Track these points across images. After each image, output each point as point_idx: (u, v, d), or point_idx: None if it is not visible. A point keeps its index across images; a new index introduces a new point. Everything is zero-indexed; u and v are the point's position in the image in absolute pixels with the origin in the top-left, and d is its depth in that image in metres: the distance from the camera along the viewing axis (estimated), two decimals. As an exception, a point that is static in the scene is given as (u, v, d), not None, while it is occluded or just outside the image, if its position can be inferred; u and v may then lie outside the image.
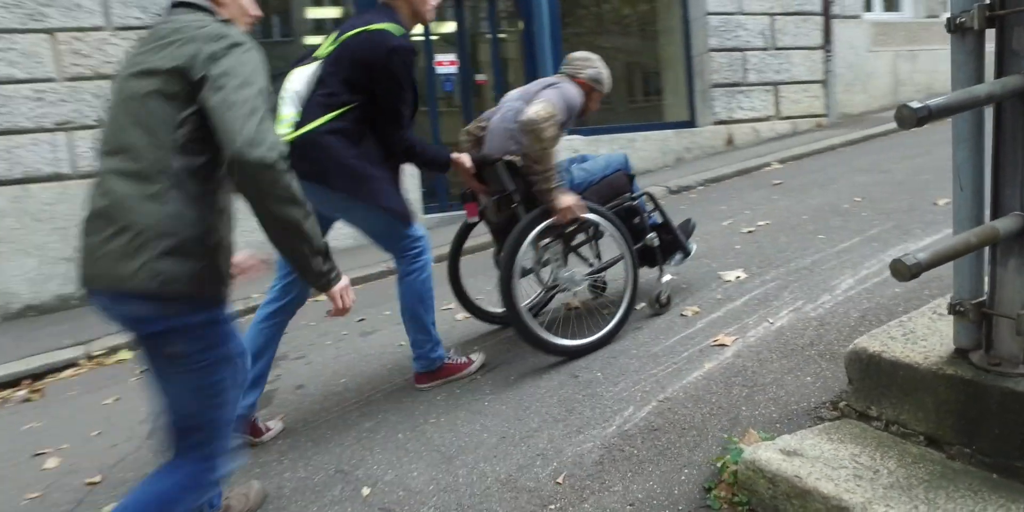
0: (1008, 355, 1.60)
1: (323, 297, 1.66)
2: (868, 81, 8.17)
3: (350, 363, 3.16)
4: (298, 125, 2.24)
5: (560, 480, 1.87)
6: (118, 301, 1.41)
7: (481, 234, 3.11)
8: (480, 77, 6.94)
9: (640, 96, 8.50)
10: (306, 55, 2.42)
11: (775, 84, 7.55)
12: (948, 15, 1.54)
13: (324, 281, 1.57)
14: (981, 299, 1.64)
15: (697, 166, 6.73)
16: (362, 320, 3.79)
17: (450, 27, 6.69)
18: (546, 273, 2.92)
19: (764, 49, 7.40)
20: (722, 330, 2.56)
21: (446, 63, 6.52)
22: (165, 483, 1.50)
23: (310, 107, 2.26)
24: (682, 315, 2.80)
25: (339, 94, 2.26)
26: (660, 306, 2.88)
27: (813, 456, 1.63)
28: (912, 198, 3.89)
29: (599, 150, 6.73)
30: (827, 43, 7.72)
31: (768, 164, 6.28)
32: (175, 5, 1.54)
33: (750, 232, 3.88)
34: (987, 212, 1.61)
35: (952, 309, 1.69)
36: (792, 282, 2.89)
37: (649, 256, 2.89)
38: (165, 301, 1.38)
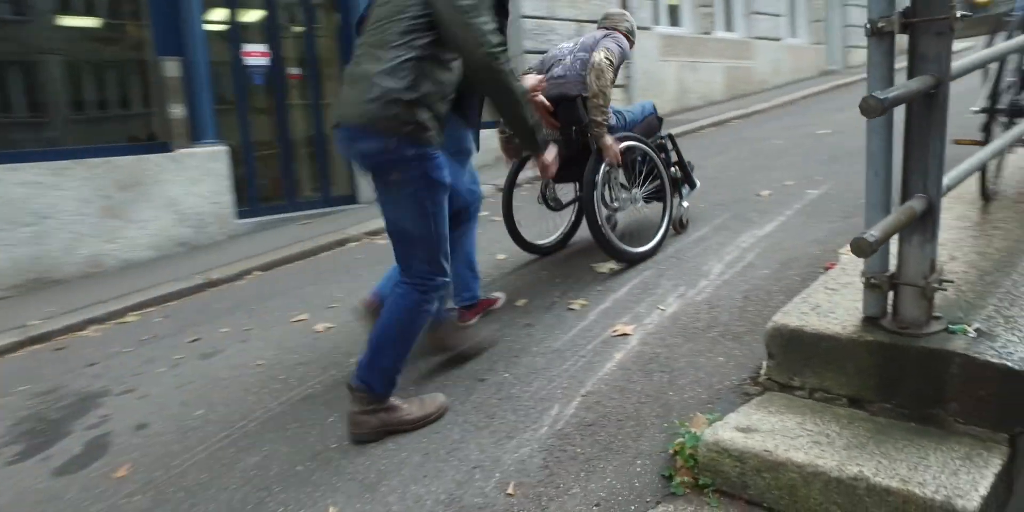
0: (912, 319, 1.77)
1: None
2: (660, 87, 8.99)
3: (200, 391, 2.69)
4: None
5: (511, 491, 1.72)
6: (357, 137, 1.92)
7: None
8: (293, 71, 6.42)
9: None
10: None
11: (584, 88, 7.98)
12: (867, 20, 1.68)
13: (540, 145, 2.15)
14: (891, 272, 1.81)
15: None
16: (196, 340, 3.27)
17: (258, 15, 6.10)
18: (610, 195, 3.29)
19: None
20: (617, 320, 2.58)
21: (256, 54, 5.93)
22: (400, 303, 2.01)
23: None
24: (570, 309, 2.78)
25: None
26: (682, 227, 3.50)
27: (768, 430, 1.67)
28: (734, 191, 4.30)
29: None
30: (626, 51, 8.35)
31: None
32: None
33: (604, 226, 4.01)
34: (895, 195, 1.78)
35: (866, 282, 1.84)
36: (666, 270, 3.02)
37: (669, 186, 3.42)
38: (387, 137, 1.86)
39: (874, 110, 1.43)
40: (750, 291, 2.59)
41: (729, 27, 10.42)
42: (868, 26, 1.69)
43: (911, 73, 1.66)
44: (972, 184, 2.98)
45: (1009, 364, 1.59)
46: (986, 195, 2.74)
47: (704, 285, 2.75)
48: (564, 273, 3.24)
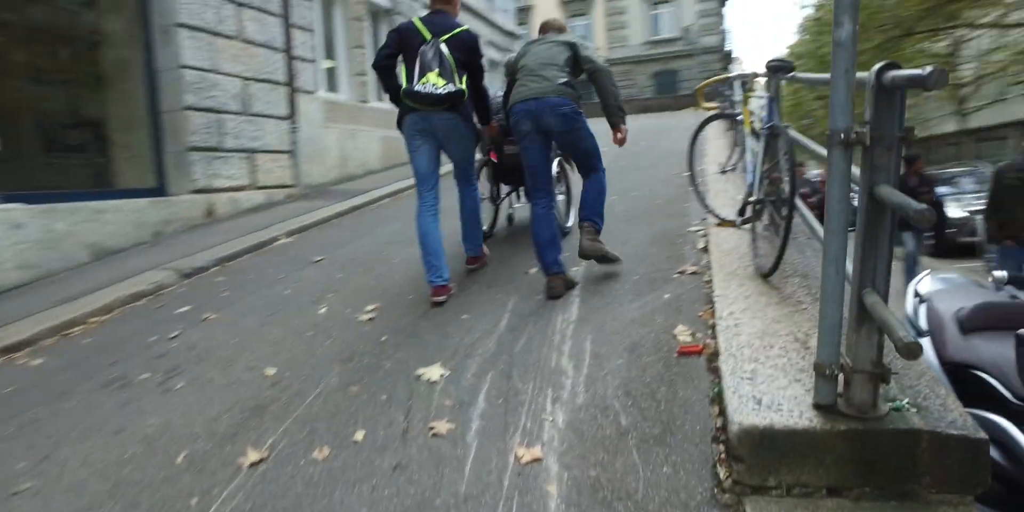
0: (863, 403, 1.82)
1: None
2: (324, 154, 8.55)
3: None
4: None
5: None
6: (544, 101, 3.48)
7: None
8: None
9: (82, 155, 6.71)
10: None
11: (251, 151, 7.09)
12: (832, 130, 1.72)
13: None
14: (840, 362, 1.83)
15: (188, 242, 5.69)
16: None
17: None
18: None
19: (240, 113, 6.87)
20: (509, 442, 2.13)
21: None
22: (598, 181, 3.73)
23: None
24: (435, 435, 2.22)
25: None
26: None
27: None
28: (501, 270, 4.15)
29: (55, 225, 4.97)
30: (293, 114, 7.74)
31: (276, 238, 5.80)
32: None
33: (370, 320, 3.43)
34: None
35: (820, 371, 1.84)
36: (508, 370, 2.65)
37: None
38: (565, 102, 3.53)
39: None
40: (626, 385, 2.42)
41: (381, 98, 10.61)
42: (832, 137, 1.74)
43: (870, 180, 1.73)
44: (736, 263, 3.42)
45: (967, 433, 1.73)
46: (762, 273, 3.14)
47: (570, 384, 2.49)
48: (387, 387, 2.62)
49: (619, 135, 3.74)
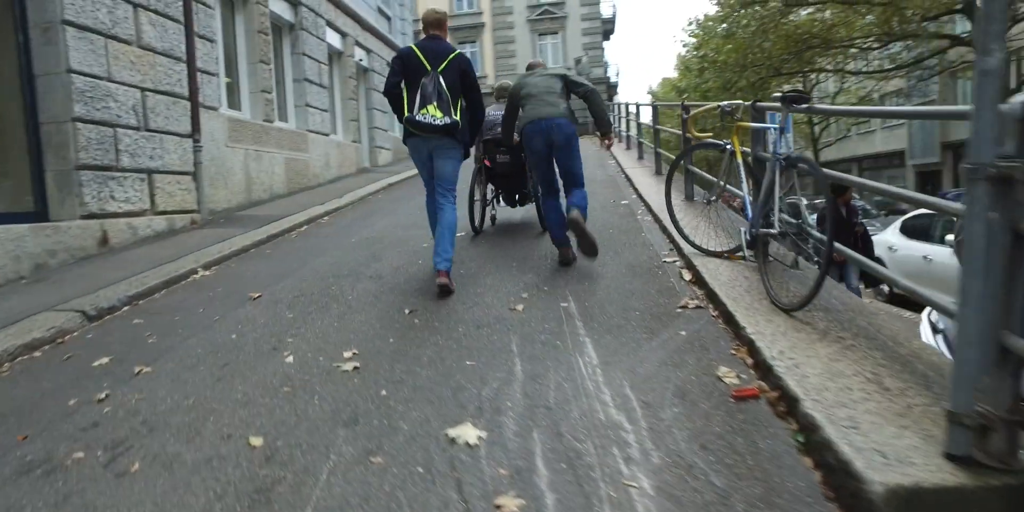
0: (1001, 452, 1.68)
1: None
2: (228, 176, 7.78)
3: None
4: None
5: None
6: (553, 120, 4.34)
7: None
8: None
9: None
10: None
11: (151, 172, 6.26)
12: (971, 164, 1.57)
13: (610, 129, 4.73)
14: (982, 409, 1.68)
15: (83, 276, 4.85)
16: None
17: None
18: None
19: (137, 128, 6.05)
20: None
21: None
22: (579, 193, 4.45)
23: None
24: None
25: None
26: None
27: None
28: (384, 304, 3.82)
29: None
30: (196, 132, 6.96)
31: (193, 271, 5.08)
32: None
33: (355, 369, 2.95)
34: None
35: (956, 420, 1.68)
36: (556, 424, 2.32)
37: None
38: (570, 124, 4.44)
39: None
40: (698, 437, 2.15)
41: (286, 118, 9.91)
42: (973, 171, 1.60)
43: (1013, 218, 1.60)
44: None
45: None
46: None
47: (634, 440, 2.17)
48: (417, 456, 2.19)
49: (607, 142, 4.75)
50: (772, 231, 3.14)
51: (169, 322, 3.85)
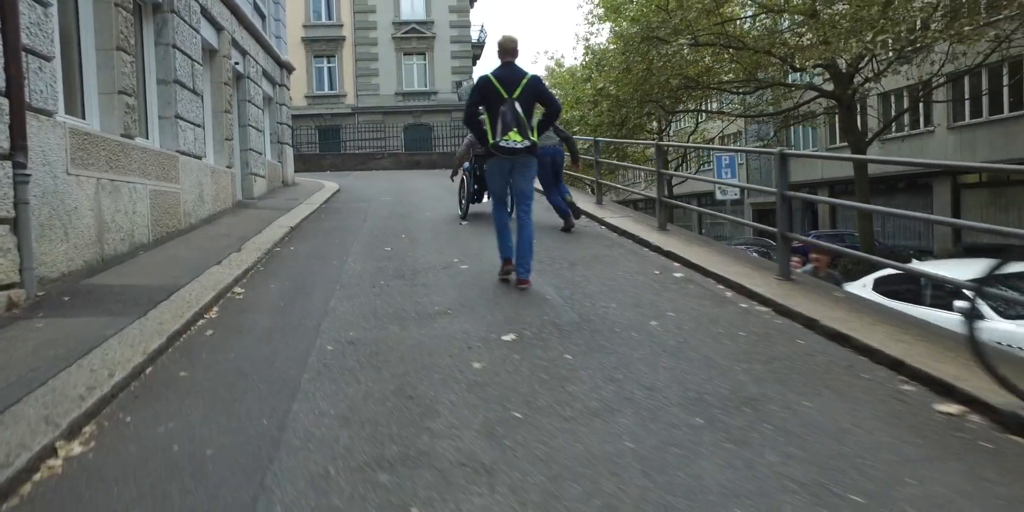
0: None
1: None
2: (71, 221, 4.86)
3: None
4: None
5: None
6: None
7: None
8: None
9: None
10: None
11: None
12: None
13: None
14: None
15: None
16: None
17: None
18: None
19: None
20: None
21: None
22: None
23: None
24: None
25: None
26: None
27: None
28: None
29: None
30: (18, 151, 4.09)
31: (54, 453, 2.45)
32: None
33: None
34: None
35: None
36: None
37: None
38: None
39: None
40: None
41: (149, 133, 6.96)
42: None
43: None
44: None
45: None
46: None
47: None
48: None
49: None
50: None
51: None
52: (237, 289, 4.98)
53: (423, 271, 5.54)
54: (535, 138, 4.71)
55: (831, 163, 23.26)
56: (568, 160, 7.54)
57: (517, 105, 4.59)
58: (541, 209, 7.21)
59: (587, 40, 54.89)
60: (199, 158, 7.91)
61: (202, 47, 8.35)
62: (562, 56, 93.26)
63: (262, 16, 12.06)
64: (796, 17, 17.50)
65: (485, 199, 8.12)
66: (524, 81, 4.66)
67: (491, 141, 4.66)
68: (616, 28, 19.66)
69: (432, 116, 28.33)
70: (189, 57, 7.63)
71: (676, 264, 5.69)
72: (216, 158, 9.06)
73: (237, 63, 10.07)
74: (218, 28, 9.06)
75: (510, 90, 4.62)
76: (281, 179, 13.27)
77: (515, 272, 4.76)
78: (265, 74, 12.16)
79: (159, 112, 7.10)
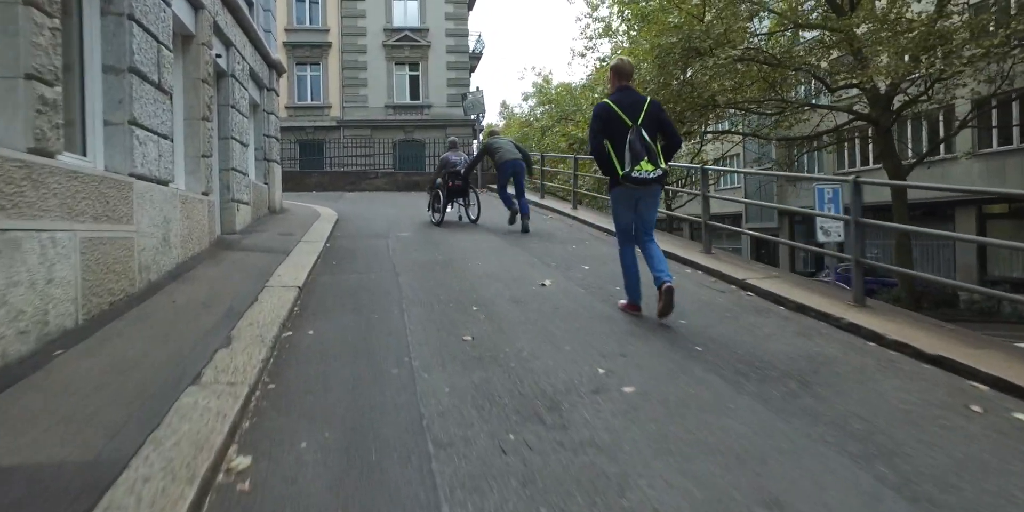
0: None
1: None
2: None
3: None
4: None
5: None
6: (520, 162, 9.39)
7: None
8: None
9: None
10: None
11: None
12: None
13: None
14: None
15: None
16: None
17: None
18: None
19: None
20: None
21: None
22: (525, 199, 9.34)
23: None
24: None
25: None
26: None
27: None
28: None
29: None
30: None
31: None
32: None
33: None
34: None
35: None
36: None
37: None
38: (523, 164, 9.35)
39: None
40: None
41: (86, 147, 4.50)
42: None
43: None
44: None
45: None
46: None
47: None
48: None
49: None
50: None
51: None
52: (233, 460, 2.54)
53: (561, 399, 3.16)
54: (664, 165, 4.49)
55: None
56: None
57: (644, 132, 4.45)
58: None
59: (583, 56, 53.25)
60: (165, 183, 5.42)
61: (173, 29, 5.92)
62: (550, 72, 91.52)
63: (249, 3, 9.65)
64: (829, 36, 15.86)
65: (449, 209, 10.17)
66: (646, 106, 4.53)
67: (621, 172, 4.42)
68: (644, 39, 17.75)
69: (425, 131, 25.95)
70: (154, 38, 5.19)
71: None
72: (189, 181, 6.56)
73: (220, 56, 7.63)
74: (197, 6, 6.64)
75: (633, 117, 4.48)
76: (268, 205, 10.74)
77: (660, 279, 4.45)
78: (252, 74, 9.71)
79: (104, 115, 4.64)
